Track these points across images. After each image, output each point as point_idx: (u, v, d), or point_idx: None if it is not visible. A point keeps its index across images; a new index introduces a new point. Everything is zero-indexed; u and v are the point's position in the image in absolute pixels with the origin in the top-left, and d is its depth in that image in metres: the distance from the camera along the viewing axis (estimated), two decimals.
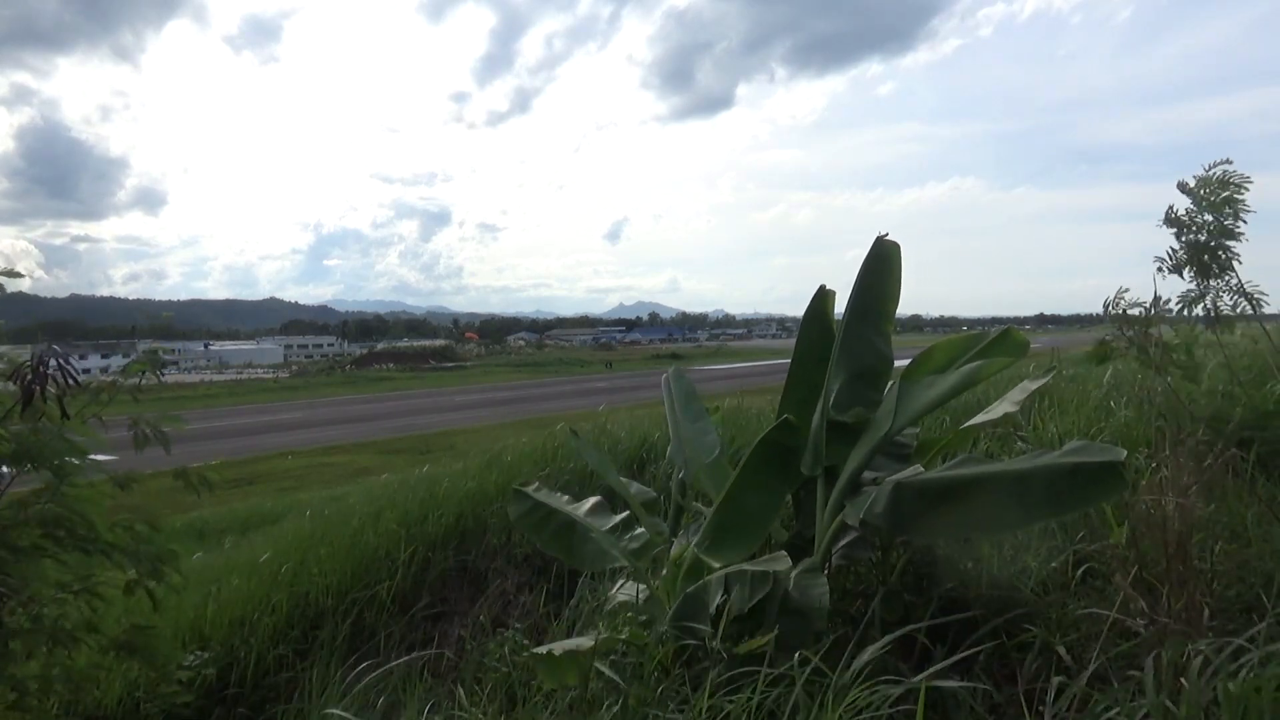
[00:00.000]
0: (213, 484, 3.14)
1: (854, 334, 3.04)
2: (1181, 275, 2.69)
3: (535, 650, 2.65)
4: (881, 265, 3.09)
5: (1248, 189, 2.61)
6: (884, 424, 2.71)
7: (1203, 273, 2.65)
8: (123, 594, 2.92)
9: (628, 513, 3.48)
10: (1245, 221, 2.62)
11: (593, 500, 3.65)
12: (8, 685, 2.71)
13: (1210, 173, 2.66)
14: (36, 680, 2.79)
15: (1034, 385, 2.99)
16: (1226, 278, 2.62)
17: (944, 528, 2.54)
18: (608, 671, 2.36)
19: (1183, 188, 2.68)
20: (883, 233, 3.06)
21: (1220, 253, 2.60)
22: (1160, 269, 2.70)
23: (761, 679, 2.13)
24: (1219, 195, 2.59)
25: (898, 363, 3.14)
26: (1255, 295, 2.61)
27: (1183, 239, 2.66)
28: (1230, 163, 2.62)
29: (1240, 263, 2.62)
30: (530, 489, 3.73)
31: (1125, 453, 2.16)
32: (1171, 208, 2.69)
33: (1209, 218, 2.62)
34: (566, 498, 3.69)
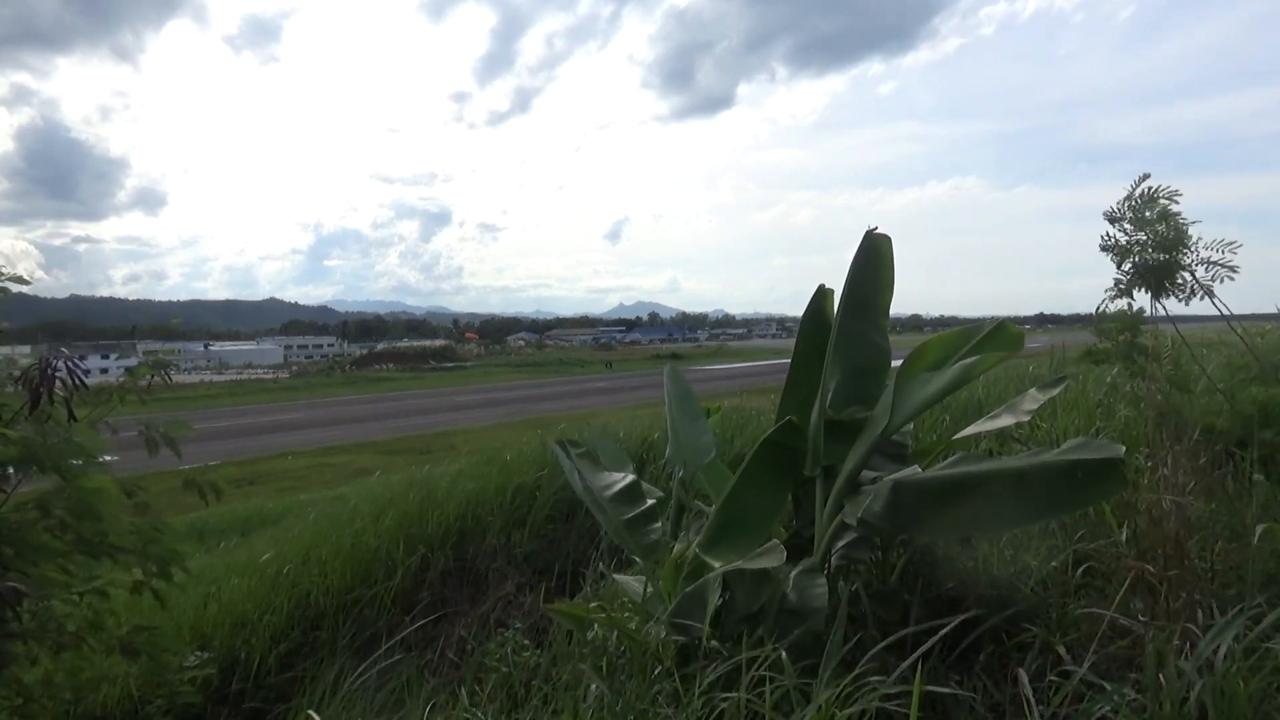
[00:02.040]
0: (220, 490, 3.16)
1: (848, 330, 3.03)
2: (1132, 297, 2.66)
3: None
4: (873, 259, 3.07)
5: (1178, 201, 2.56)
6: (881, 421, 2.71)
7: (1156, 291, 2.61)
8: (130, 594, 2.93)
9: (652, 502, 3.41)
10: (1188, 235, 2.57)
11: (626, 480, 3.52)
12: (14, 690, 2.71)
13: (1136, 190, 2.60)
14: (41, 685, 2.79)
15: (1044, 395, 2.86)
16: (1180, 281, 2.57)
17: (942, 527, 2.52)
18: (595, 679, 2.37)
19: (1110, 216, 2.62)
20: (872, 226, 3.05)
21: (1172, 268, 2.56)
22: (1113, 295, 2.66)
23: (757, 679, 2.14)
24: (1151, 211, 2.54)
25: (896, 362, 3.14)
26: (1223, 263, 2.52)
27: (1127, 264, 2.62)
28: (1149, 176, 2.57)
29: (1190, 273, 2.57)
30: (576, 453, 3.70)
31: (1124, 449, 2.13)
32: (1105, 235, 2.65)
33: (1143, 236, 2.58)
34: (605, 474, 3.62)
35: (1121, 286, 2.60)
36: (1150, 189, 2.56)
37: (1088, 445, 2.23)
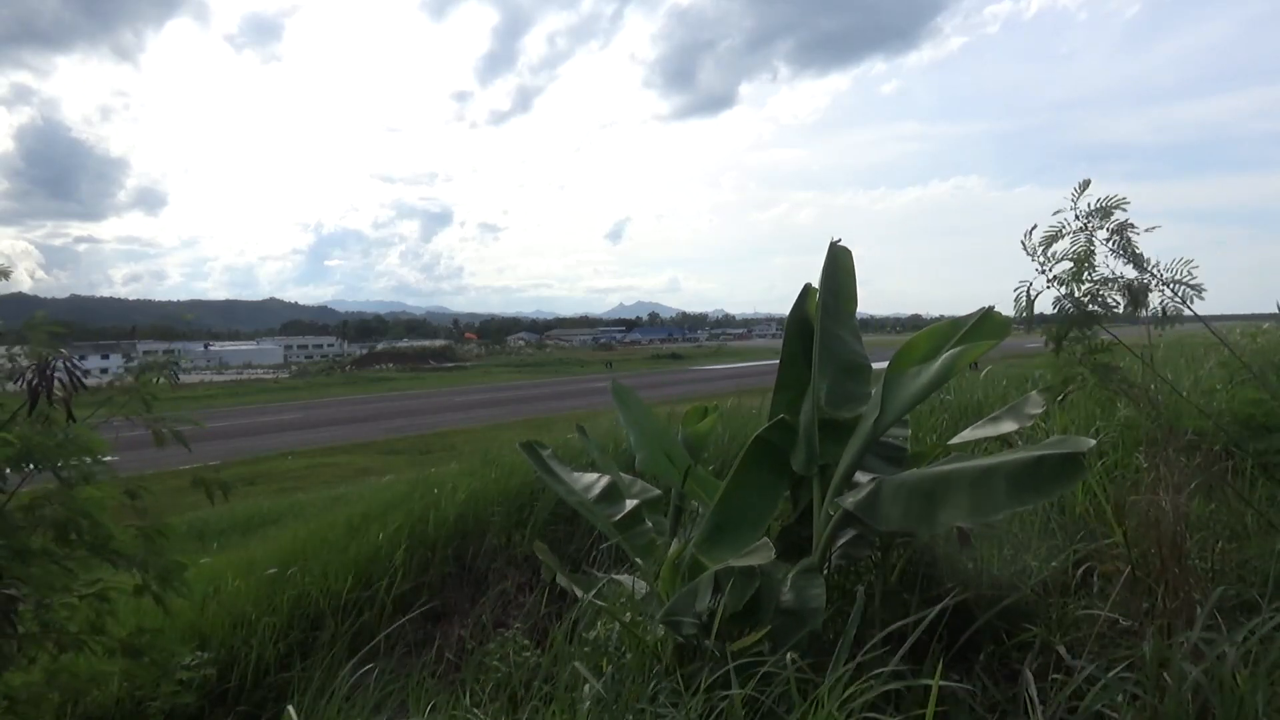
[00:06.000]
0: (229, 489, 3.15)
1: (830, 333, 3.09)
2: (1060, 346, 2.61)
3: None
4: (838, 269, 3.22)
5: (1126, 208, 2.45)
6: (871, 417, 2.71)
7: (1084, 326, 2.56)
8: (132, 595, 2.92)
9: (636, 502, 3.44)
10: (1136, 249, 2.46)
11: (605, 481, 3.54)
12: (23, 691, 2.70)
13: (1079, 199, 2.49)
14: (44, 685, 2.78)
15: (1045, 400, 2.85)
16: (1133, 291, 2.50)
17: (909, 521, 2.53)
18: (588, 675, 2.37)
19: (1051, 236, 2.48)
20: (835, 238, 3.23)
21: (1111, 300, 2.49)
22: (1048, 343, 2.62)
23: (755, 677, 2.13)
24: (1105, 223, 2.46)
25: (880, 365, 3.15)
26: (1187, 286, 2.45)
27: (1058, 305, 2.57)
28: (1090, 182, 2.45)
29: (1145, 303, 2.49)
30: (544, 453, 3.68)
31: (1093, 443, 2.13)
32: (1022, 289, 2.58)
33: (1059, 268, 2.50)
34: (579, 474, 3.64)
35: (1053, 340, 2.55)
36: (1102, 200, 2.49)
37: (1062, 441, 2.24)
